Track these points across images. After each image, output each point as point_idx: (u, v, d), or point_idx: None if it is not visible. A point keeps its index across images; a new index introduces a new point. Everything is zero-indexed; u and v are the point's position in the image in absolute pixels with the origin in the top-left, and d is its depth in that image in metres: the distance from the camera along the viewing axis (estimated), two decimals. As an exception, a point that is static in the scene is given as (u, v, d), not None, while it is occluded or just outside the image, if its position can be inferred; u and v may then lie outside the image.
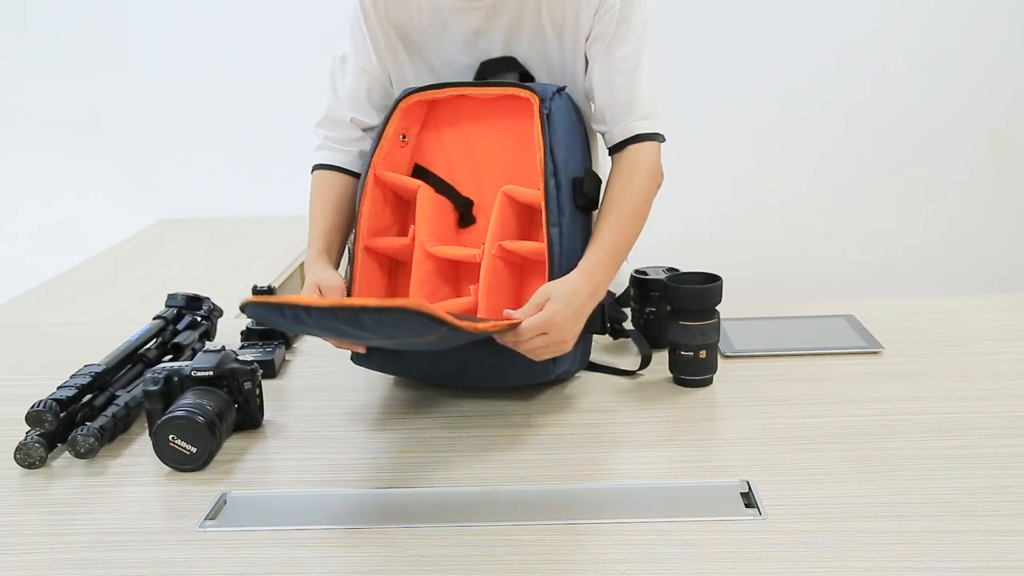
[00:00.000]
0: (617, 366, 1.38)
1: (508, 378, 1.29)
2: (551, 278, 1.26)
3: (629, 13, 1.37)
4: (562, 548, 0.93)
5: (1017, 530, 0.93)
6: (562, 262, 1.26)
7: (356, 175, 1.44)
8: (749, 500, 1.01)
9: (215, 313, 1.52)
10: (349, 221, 1.43)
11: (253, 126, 3.32)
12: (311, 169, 1.48)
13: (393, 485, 1.09)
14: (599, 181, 1.36)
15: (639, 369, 1.37)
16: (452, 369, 1.29)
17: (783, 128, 3.29)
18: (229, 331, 1.56)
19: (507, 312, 1.22)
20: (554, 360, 1.24)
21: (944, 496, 0.99)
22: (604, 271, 1.30)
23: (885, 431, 1.15)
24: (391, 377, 1.39)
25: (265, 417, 1.26)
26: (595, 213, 1.35)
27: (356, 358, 1.31)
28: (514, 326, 1.18)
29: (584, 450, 1.14)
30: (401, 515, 1.00)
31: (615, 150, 1.40)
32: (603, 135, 1.44)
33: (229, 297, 2.30)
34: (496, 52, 1.41)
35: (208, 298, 1.52)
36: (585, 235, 1.32)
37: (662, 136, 1.42)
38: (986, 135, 3.29)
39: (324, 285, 1.29)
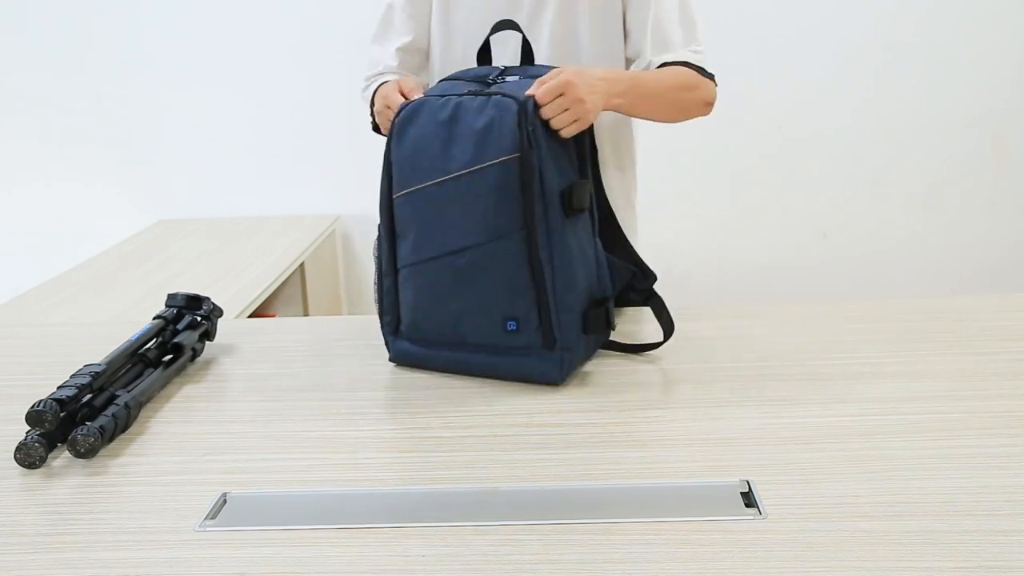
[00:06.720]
0: (633, 342, 1.41)
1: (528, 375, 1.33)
2: (549, 291, 1.27)
3: None
4: (562, 548, 0.93)
5: (1017, 530, 0.93)
6: (555, 279, 1.28)
7: None
8: (749, 500, 1.01)
9: (215, 313, 1.52)
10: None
11: (253, 127, 3.32)
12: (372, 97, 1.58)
13: (394, 485, 1.09)
14: (589, 189, 1.35)
15: (664, 340, 1.38)
16: (482, 367, 1.35)
17: (783, 128, 3.29)
18: (229, 331, 1.56)
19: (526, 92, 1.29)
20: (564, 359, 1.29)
21: (944, 496, 0.99)
22: (623, 85, 1.40)
23: (885, 431, 1.15)
24: (391, 378, 1.39)
25: (264, 417, 1.26)
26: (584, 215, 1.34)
27: (393, 356, 1.40)
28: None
29: (584, 450, 1.14)
30: (401, 515, 1.00)
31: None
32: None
33: (229, 297, 2.31)
34: None
35: (208, 298, 1.52)
36: (579, 235, 1.32)
37: (714, 80, 1.52)
38: (986, 135, 3.29)
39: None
